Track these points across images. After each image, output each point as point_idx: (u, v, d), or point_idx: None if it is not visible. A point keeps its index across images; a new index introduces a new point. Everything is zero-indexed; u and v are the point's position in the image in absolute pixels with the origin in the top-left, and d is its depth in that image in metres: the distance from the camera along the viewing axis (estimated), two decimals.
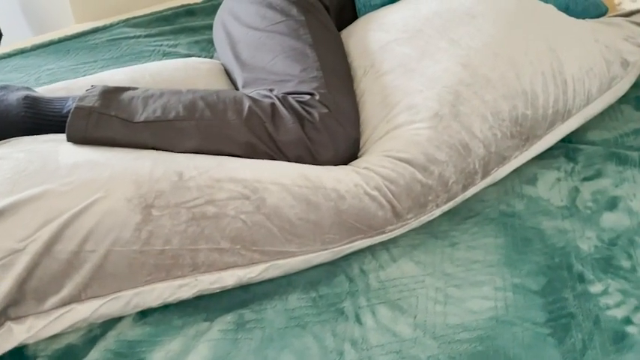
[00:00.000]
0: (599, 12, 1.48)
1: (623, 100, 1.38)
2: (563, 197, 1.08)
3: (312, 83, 1.02)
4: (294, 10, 1.19)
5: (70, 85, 1.10)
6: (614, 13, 1.48)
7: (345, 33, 1.26)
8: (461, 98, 1.00)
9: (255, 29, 1.18)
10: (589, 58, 1.18)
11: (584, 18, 1.41)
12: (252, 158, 0.92)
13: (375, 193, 0.89)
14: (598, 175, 1.14)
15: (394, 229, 0.93)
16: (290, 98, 0.98)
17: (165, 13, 1.86)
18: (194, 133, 0.91)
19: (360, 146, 1.03)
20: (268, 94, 0.99)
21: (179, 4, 1.93)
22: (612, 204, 1.06)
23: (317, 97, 0.98)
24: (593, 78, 1.17)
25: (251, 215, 0.82)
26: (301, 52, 1.09)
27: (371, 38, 1.17)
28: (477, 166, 0.99)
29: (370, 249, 0.96)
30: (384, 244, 0.97)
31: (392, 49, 1.11)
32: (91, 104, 0.92)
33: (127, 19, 1.80)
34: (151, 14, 1.85)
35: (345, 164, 0.97)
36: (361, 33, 1.21)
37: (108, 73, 1.15)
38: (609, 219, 1.03)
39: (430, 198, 0.95)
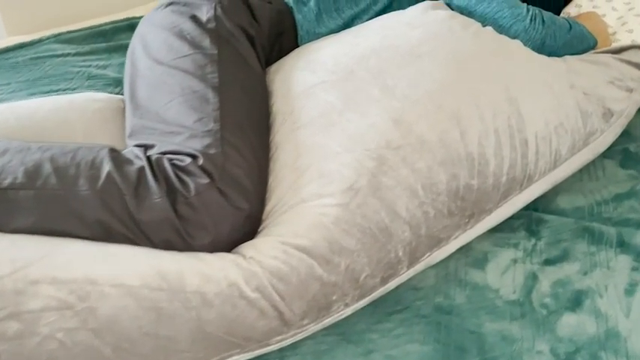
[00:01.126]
0: (585, 46, 1.27)
1: (607, 153, 1.16)
2: (516, 287, 0.87)
3: (203, 139, 0.82)
4: (206, 41, 0.99)
5: None
6: (604, 49, 1.26)
7: (274, 68, 1.06)
8: (385, 166, 0.80)
9: (159, 63, 0.98)
10: (560, 111, 0.96)
11: (565, 55, 1.20)
12: (105, 241, 0.72)
13: (255, 295, 0.69)
14: (564, 257, 0.92)
15: (284, 339, 0.73)
16: (166, 161, 0.78)
17: (104, 27, 1.66)
18: (32, 207, 0.71)
19: (264, 217, 0.83)
20: (139, 154, 0.79)
21: (124, 16, 1.74)
22: (576, 301, 0.85)
23: (200, 162, 0.78)
24: (563, 135, 0.95)
25: (73, 333, 0.62)
26: (201, 96, 0.89)
27: (295, 79, 0.96)
28: (400, 253, 0.78)
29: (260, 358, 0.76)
30: (280, 351, 0.77)
31: (315, 95, 0.91)
32: None
33: (59, 34, 1.60)
34: (88, 28, 1.65)
35: (236, 246, 0.77)
36: (288, 70, 1.01)
37: None
38: (569, 323, 0.81)
39: (335, 298, 0.74)
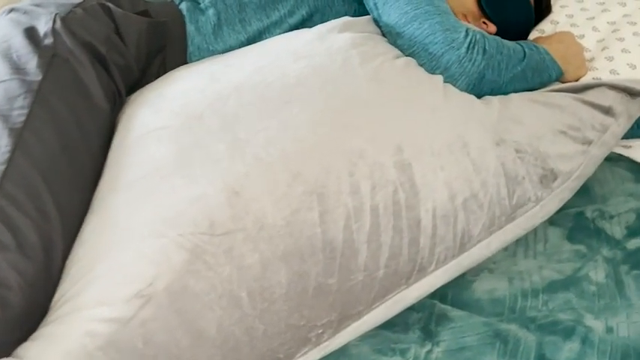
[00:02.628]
0: (544, 79, 1.02)
1: (556, 217, 0.93)
2: None
3: None
4: (32, 63, 0.78)
5: None
6: (565, 85, 1.02)
7: (133, 97, 0.85)
8: (199, 261, 0.58)
9: None
10: (474, 178, 0.73)
11: (514, 91, 0.97)
12: None
13: None
14: None
15: None
16: None
17: None
18: None
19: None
20: None
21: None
22: None
23: None
24: (475, 211, 0.73)
25: None
26: None
27: (137, 118, 0.75)
28: None
29: None
30: None
31: (147, 146, 0.69)
32: None
33: None
34: None
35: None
36: (137, 105, 0.79)
37: None
38: None
39: None
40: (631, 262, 0.86)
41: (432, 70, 0.91)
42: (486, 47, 0.93)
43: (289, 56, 0.79)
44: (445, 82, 0.90)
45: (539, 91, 0.99)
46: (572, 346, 0.73)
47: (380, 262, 0.66)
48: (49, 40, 0.81)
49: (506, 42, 0.98)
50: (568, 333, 0.74)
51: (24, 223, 0.63)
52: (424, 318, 0.77)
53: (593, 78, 1.15)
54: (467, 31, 0.93)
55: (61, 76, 0.79)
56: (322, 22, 1.01)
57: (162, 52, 0.97)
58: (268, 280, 0.60)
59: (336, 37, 0.83)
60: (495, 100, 0.88)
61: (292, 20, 1.03)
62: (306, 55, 0.78)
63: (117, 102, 0.87)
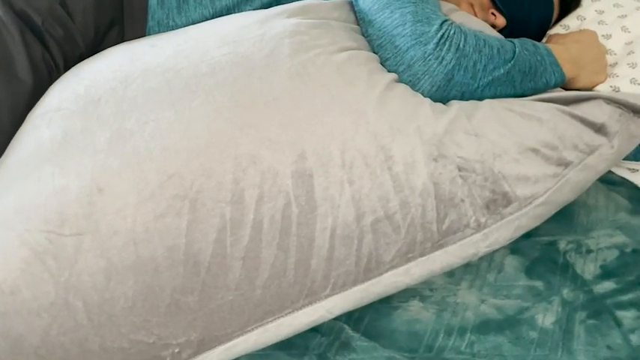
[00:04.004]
0: (539, 85, 0.88)
1: (519, 247, 0.81)
2: None
3: None
4: None
5: None
6: (559, 94, 0.88)
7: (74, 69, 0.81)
8: (38, 263, 0.52)
9: None
10: (391, 198, 0.62)
11: (494, 96, 0.85)
12: None
13: None
14: None
15: None
16: None
17: None
18: None
19: None
20: None
21: None
22: None
23: None
24: (388, 234, 0.62)
25: None
26: None
27: (45, 96, 0.71)
28: None
29: None
30: None
31: (38, 128, 0.65)
32: None
33: None
34: None
35: None
36: (60, 80, 0.75)
37: None
38: None
39: None
40: (592, 309, 0.74)
41: (395, 67, 0.81)
42: (460, 45, 0.81)
43: (216, 41, 0.71)
44: (406, 81, 0.80)
45: (526, 98, 0.86)
46: None
47: (256, 282, 0.59)
48: None
49: (491, 38, 0.86)
50: None
51: None
52: (325, 344, 0.69)
53: (611, 87, 1.01)
54: (442, 24, 0.82)
55: None
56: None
57: (119, 24, 0.93)
58: (111, 291, 0.54)
59: (277, 23, 0.75)
60: (456, 107, 0.77)
61: None
62: (233, 41, 0.71)
63: (53, 75, 0.84)
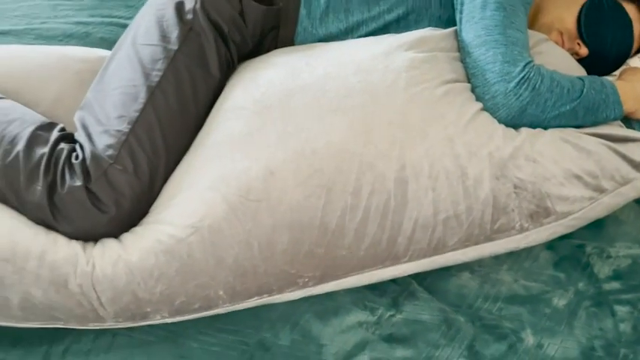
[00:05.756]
0: (599, 118, 1.08)
1: (554, 245, 1.05)
2: (340, 350, 0.92)
3: (110, 138, 0.95)
4: (174, 34, 1.06)
5: None
6: (610, 132, 1.08)
7: (242, 66, 1.11)
8: (233, 215, 0.87)
9: (133, 44, 1.09)
10: (461, 203, 0.92)
11: (557, 126, 1.07)
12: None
13: (76, 290, 0.85)
14: (408, 339, 0.94)
15: (102, 326, 0.89)
16: (65, 153, 0.93)
17: None
18: None
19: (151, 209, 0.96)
20: (52, 137, 0.94)
21: None
22: None
23: (87, 162, 0.91)
24: (454, 227, 0.92)
25: None
26: (134, 93, 1.00)
27: (234, 91, 1.02)
28: (220, 292, 0.87)
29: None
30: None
31: (229, 120, 0.97)
32: None
33: None
34: None
35: (104, 236, 0.92)
36: (237, 78, 1.05)
37: None
38: None
39: (149, 310, 0.88)
40: (596, 300, 1.00)
41: (481, 95, 1.06)
42: (537, 85, 1.04)
43: (353, 67, 1.00)
44: (489, 108, 1.04)
45: (584, 130, 1.08)
46: (498, 347, 0.92)
47: (361, 246, 0.90)
48: (189, 16, 1.08)
49: (564, 80, 1.07)
50: (501, 337, 0.93)
51: (142, 157, 0.95)
52: (398, 290, 1.00)
53: None
54: (525, 66, 1.04)
55: (191, 48, 1.06)
56: (416, 22, 1.17)
57: (276, 29, 1.21)
58: (274, 238, 0.88)
59: (398, 56, 1.02)
60: (523, 134, 1.02)
61: (389, 17, 1.19)
62: (366, 70, 0.99)
63: (229, 70, 1.14)
